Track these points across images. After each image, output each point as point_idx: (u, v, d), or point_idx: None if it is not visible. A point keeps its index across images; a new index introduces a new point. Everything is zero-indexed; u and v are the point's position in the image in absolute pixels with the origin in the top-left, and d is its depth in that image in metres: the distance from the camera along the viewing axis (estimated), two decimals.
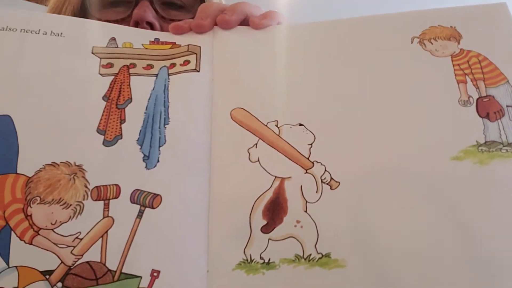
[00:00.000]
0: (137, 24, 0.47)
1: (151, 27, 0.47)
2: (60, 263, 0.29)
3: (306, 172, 0.32)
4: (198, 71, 0.36)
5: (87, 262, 0.29)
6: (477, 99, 0.32)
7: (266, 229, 0.31)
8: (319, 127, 0.33)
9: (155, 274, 0.29)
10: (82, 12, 0.51)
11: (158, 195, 0.31)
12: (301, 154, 0.32)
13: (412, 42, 0.35)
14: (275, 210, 0.31)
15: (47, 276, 0.28)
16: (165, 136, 0.33)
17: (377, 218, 0.30)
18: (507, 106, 0.31)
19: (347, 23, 0.37)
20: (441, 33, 0.35)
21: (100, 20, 0.47)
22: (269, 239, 0.31)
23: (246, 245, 0.31)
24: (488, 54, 0.33)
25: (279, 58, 0.36)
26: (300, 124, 0.33)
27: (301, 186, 0.31)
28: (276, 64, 0.36)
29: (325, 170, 0.31)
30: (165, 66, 0.36)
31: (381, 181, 0.30)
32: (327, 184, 0.31)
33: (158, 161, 0.32)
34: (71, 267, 0.29)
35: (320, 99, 0.34)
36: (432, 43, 0.34)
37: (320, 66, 0.36)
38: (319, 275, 0.29)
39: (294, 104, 0.34)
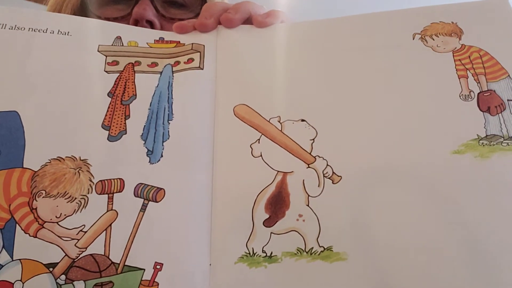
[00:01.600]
0: (136, 23, 0.46)
1: (151, 25, 0.47)
2: (64, 256, 0.29)
3: (308, 167, 0.32)
4: (202, 69, 0.37)
5: (91, 254, 0.29)
6: (478, 94, 0.32)
7: (268, 222, 0.31)
8: (321, 122, 0.33)
9: (158, 266, 0.30)
10: (82, 9, 0.51)
11: (161, 189, 0.32)
12: (303, 149, 0.32)
13: (413, 39, 0.35)
14: (277, 204, 0.31)
15: (51, 269, 0.29)
16: (168, 131, 0.34)
17: (379, 212, 0.30)
18: (508, 100, 0.32)
19: (348, 20, 0.37)
20: (443, 29, 0.35)
21: (100, 18, 0.47)
22: (271, 232, 0.31)
23: (249, 238, 0.31)
24: (489, 49, 0.33)
25: (282, 55, 0.37)
26: (302, 120, 0.33)
27: (303, 181, 0.31)
28: (279, 62, 0.37)
29: (327, 165, 0.31)
30: (169, 64, 0.37)
31: (383, 175, 0.30)
32: (329, 178, 0.31)
33: (161, 155, 0.33)
34: (75, 260, 0.29)
35: (322, 95, 0.34)
36: (433, 39, 0.35)
37: (322, 63, 0.36)
38: (321, 268, 0.29)
39: (296, 100, 0.34)
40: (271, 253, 0.30)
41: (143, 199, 0.31)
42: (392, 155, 0.31)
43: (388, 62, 0.34)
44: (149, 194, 0.31)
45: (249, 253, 0.31)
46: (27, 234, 0.29)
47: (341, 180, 0.31)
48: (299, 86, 0.35)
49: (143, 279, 0.29)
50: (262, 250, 0.31)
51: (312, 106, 0.34)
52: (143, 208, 0.31)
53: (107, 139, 0.33)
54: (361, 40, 0.36)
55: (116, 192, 0.31)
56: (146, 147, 0.33)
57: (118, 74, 0.35)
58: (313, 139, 0.33)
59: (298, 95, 0.35)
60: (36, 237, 0.29)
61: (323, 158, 0.32)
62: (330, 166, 0.31)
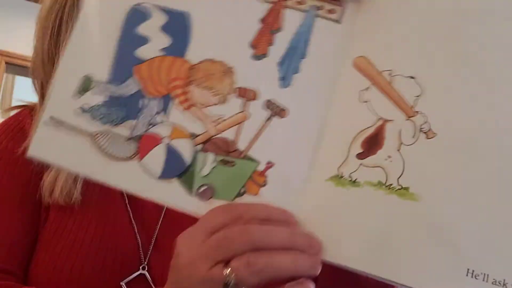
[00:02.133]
0: None
1: None
2: (205, 131, 0.38)
3: (408, 119, 0.38)
4: (340, 23, 0.42)
5: (225, 138, 0.38)
6: None
7: (360, 156, 0.38)
8: (430, 82, 0.37)
9: (269, 164, 0.38)
10: None
11: (286, 109, 0.39)
12: (406, 102, 0.38)
13: None
14: (372, 144, 0.38)
15: (193, 138, 0.38)
16: (300, 66, 0.41)
17: (462, 172, 0.35)
18: None
19: None
20: None
21: None
22: (360, 164, 0.38)
23: (341, 164, 0.38)
24: None
25: (413, 13, 0.40)
26: (412, 77, 0.38)
27: (400, 130, 0.37)
28: (407, 20, 0.40)
29: (426, 121, 0.37)
30: (315, 5, 0.43)
31: (478, 141, 0.35)
32: (424, 133, 0.37)
33: (290, 84, 0.40)
34: (213, 137, 0.38)
35: (437, 56, 0.38)
36: None
37: (442, 25, 0.39)
38: (394, 202, 0.36)
39: (411, 57, 0.39)
40: (356, 179, 0.37)
41: (271, 112, 0.39)
42: (491, 123, 0.35)
43: (509, 32, 0.37)
44: (277, 109, 0.39)
45: (338, 175, 0.38)
46: (181, 108, 0.39)
47: (435, 137, 0.36)
48: (417, 43, 0.39)
49: (256, 169, 0.38)
50: (349, 175, 0.38)
51: (424, 65, 0.38)
52: (270, 118, 0.39)
53: (251, 56, 0.41)
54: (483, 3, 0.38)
55: (250, 100, 0.39)
56: (280, 73, 0.40)
57: (271, 5, 0.42)
58: (418, 96, 0.38)
59: (413, 53, 0.39)
60: (187, 110, 0.39)
61: (423, 115, 0.37)
62: (429, 123, 0.37)
